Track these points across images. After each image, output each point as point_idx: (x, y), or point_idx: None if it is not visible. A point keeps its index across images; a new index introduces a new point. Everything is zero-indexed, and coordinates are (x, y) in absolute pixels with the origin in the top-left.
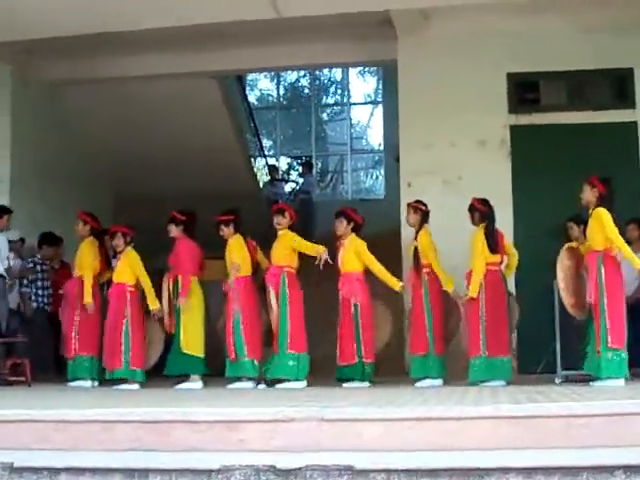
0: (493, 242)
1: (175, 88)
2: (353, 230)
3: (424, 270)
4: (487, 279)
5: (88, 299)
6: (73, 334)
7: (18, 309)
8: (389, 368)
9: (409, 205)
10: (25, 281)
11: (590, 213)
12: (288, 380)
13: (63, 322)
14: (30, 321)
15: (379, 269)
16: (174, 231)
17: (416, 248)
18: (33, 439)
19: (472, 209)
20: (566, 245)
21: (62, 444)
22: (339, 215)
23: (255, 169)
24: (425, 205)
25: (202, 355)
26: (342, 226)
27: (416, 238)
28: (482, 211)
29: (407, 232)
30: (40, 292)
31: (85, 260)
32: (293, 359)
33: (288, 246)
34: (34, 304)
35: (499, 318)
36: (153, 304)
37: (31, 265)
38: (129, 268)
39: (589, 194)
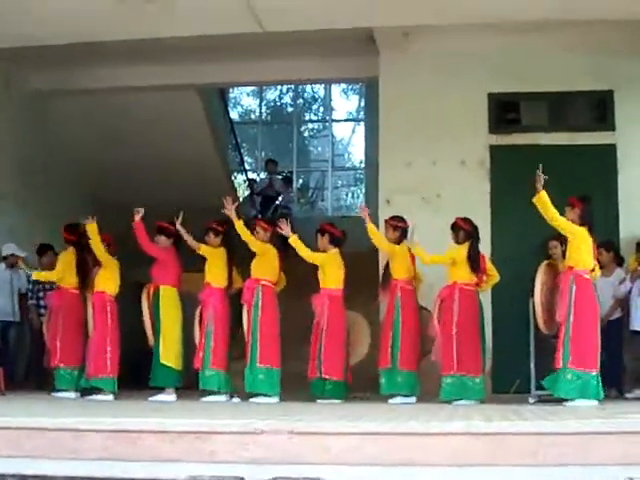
0: (476, 262)
1: (157, 100)
2: (334, 244)
3: (398, 285)
4: (462, 298)
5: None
6: (57, 345)
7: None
8: (367, 385)
9: (387, 222)
10: (30, 294)
11: None
12: (261, 394)
13: (48, 334)
14: (38, 333)
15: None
16: (163, 242)
17: (387, 263)
18: (3, 446)
19: (456, 228)
20: (546, 261)
21: (32, 451)
22: (317, 232)
23: (236, 184)
24: (403, 221)
25: (179, 368)
26: (321, 242)
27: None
28: (466, 230)
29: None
30: (42, 303)
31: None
32: (263, 373)
33: (265, 260)
34: (42, 318)
35: (472, 337)
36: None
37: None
38: (110, 277)
39: (570, 215)
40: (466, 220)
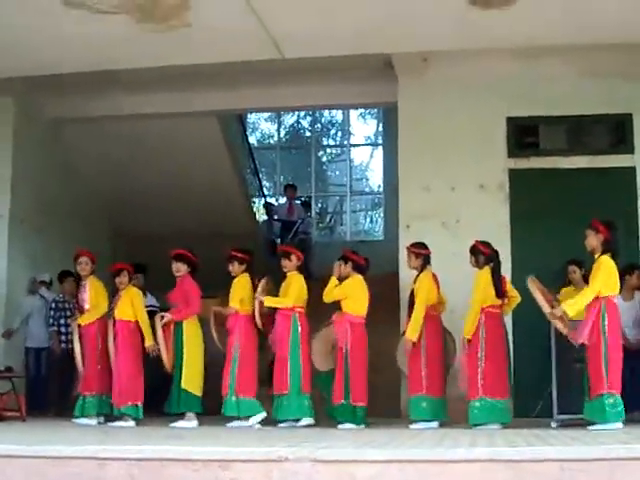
0: (500, 285)
1: (176, 126)
2: (358, 272)
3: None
4: (487, 322)
5: (110, 341)
6: (94, 373)
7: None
8: (386, 410)
9: (409, 249)
10: (51, 320)
11: (595, 259)
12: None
13: (84, 361)
14: (60, 359)
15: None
16: (182, 270)
17: (412, 291)
18: (26, 474)
19: (475, 251)
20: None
21: None
22: (340, 258)
23: (254, 209)
24: (425, 247)
25: (200, 394)
26: (344, 269)
27: (415, 281)
28: (486, 253)
29: (405, 274)
30: (63, 330)
31: (98, 299)
32: (307, 399)
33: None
34: (62, 344)
35: (498, 360)
36: (149, 340)
37: (53, 305)
38: (130, 305)
39: (593, 239)
40: (485, 243)
